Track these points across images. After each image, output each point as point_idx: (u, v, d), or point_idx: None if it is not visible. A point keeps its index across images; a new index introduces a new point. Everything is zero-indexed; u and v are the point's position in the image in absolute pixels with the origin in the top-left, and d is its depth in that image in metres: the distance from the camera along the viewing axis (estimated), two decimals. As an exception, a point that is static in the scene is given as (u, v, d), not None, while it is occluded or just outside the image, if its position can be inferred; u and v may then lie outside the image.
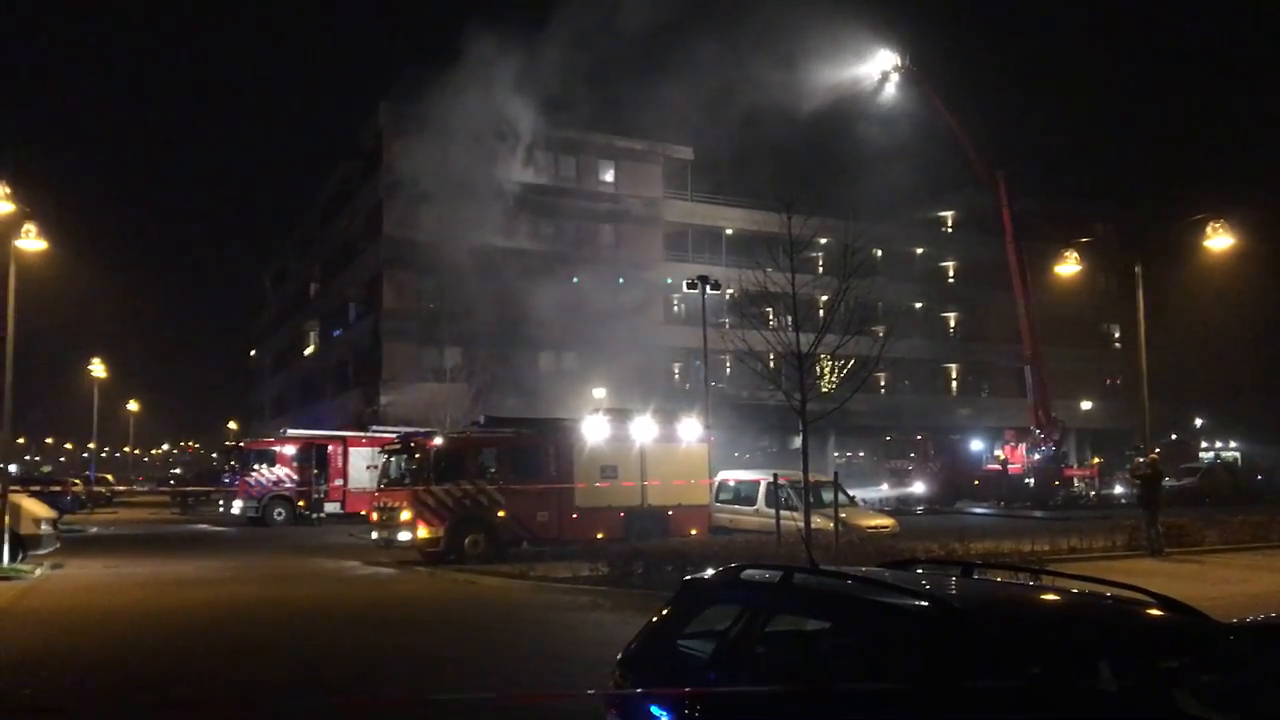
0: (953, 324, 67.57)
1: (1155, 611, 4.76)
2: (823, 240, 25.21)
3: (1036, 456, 45.45)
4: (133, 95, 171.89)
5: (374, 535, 24.08)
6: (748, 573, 5.61)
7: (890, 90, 47.06)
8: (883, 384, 57.80)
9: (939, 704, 4.06)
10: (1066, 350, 57.01)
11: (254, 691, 10.23)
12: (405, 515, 22.22)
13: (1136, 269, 26.16)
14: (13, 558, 20.64)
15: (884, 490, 45.55)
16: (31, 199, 22.25)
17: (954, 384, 67.11)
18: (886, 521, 24.21)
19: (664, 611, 5.78)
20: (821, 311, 19.56)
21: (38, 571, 20.58)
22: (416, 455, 22.86)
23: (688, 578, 6.21)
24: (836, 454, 52.76)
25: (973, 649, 4.20)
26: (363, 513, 32.82)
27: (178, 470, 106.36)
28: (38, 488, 35.67)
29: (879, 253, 50.72)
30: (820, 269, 36.73)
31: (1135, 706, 4.24)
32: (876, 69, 47.05)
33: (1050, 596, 5.29)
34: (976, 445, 49.23)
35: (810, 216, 18.44)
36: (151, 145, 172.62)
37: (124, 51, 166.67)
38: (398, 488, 23.26)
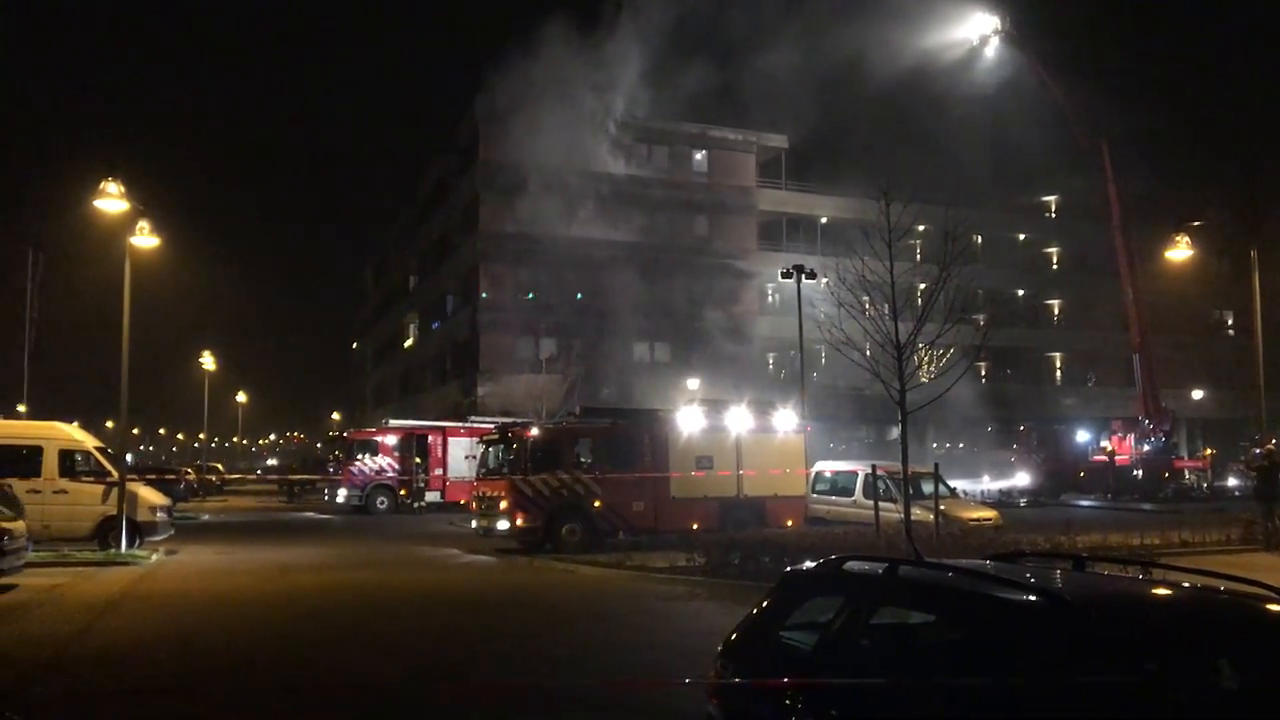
0: (1057, 311, 65.87)
1: (1276, 607, 4.57)
2: (921, 227, 24.72)
3: (1145, 447, 44.09)
4: (238, 96, 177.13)
5: (473, 524, 24.48)
6: (850, 564, 5.55)
7: (988, 55, 45.79)
8: (983, 373, 56.66)
9: (1051, 699, 3.97)
10: (1177, 337, 55.11)
11: (364, 675, 10.48)
12: (503, 504, 22.54)
13: (1252, 252, 25.16)
14: (130, 544, 21.49)
15: (985, 482, 44.69)
16: (144, 197, 23.07)
17: (1058, 373, 65.42)
18: (989, 514, 23.77)
19: (765, 603, 5.75)
20: (920, 300, 19.23)
21: (154, 557, 21.37)
22: (514, 445, 23.15)
23: (789, 569, 6.17)
24: (935, 444, 51.88)
25: (1086, 644, 4.10)
26: (462, 502, 33.45)
27: (272, 461, 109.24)
28: (153, 476, 37.06)
29: (979, 239, 49.65)
30: (918, 256, 36.19)
31: (1258, 705, 4.08)
32: (974, 33, 45.84)
33: (1164, 591, 5.11)
34: (1082, 436, 47.98)
35: (908, 203, 18.15)
36: (257, 144, 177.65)
37: (228, 52, 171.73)
38: (496, 477, 23.59)
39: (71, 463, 22.40)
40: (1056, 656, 4.12)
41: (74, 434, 23.32)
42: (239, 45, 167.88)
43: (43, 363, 34.94)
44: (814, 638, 5.26)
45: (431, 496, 37.35)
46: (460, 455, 36.65)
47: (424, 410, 50.88)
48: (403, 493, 37.37)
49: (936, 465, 21.29)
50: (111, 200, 21.49)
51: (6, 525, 16.56)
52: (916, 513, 18.72)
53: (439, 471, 37.60)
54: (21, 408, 34.88)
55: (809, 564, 6.11)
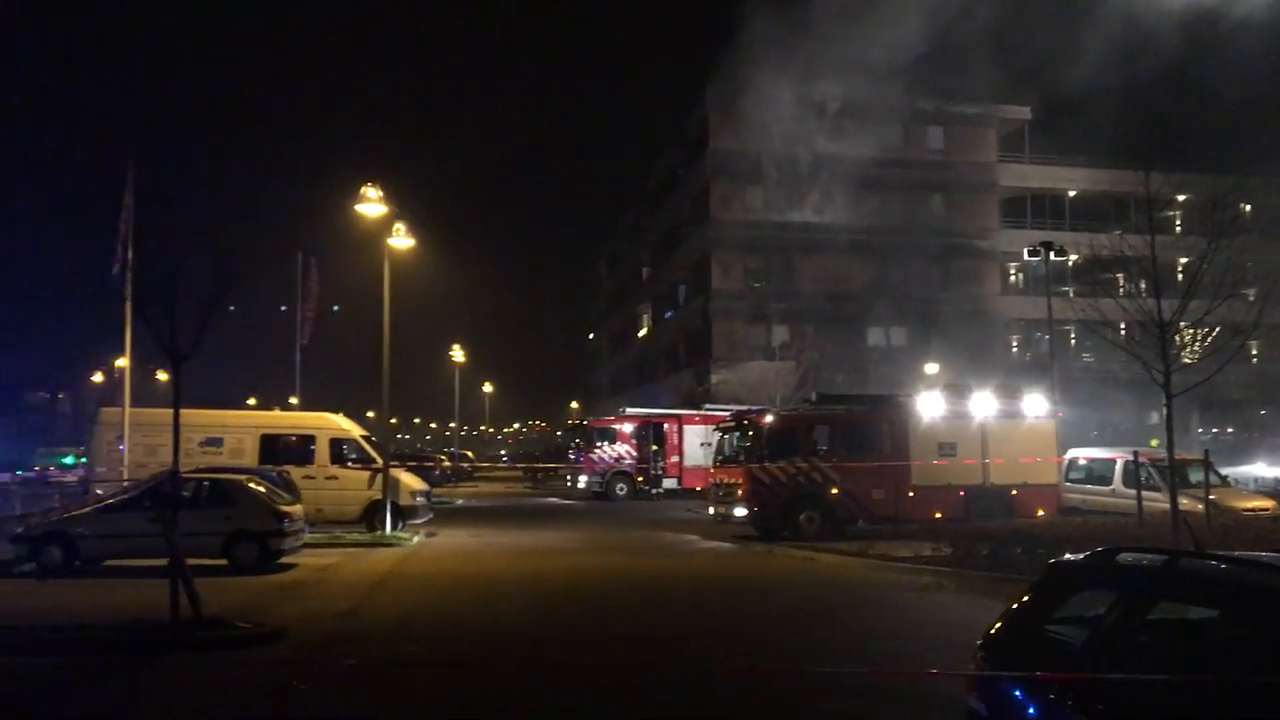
0: (1341, 283, 59.76)
1: None
2: (1181, 197, 22.98)
3: None
4: (478, 100, 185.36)
5: (710, 510, 24.75)
6: (1123, 556, 5.27)
7: None
8: (1254, 353, 52.20)
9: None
10: None
11: (619, 654, 10.78)
12: (740, 492, 22.67)
13: None
14: (394, 526, 22.95)
15: (1261, 469, 41.14)
16: (400, 202, 24.52)
17: (1343, 350, 59.38)
18: (1266, 503, 21.94)
19: (1028, 595, 5.55)
20: (1181, 275, 17.96)
21: (415, 539, 22.73)
22: (750, 433, 23.21)
23: (1054, 560, 5.91)
24: (1201, 430, 48.30)
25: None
26: (698, 489, 33.87)
27: (503, 453, 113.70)
28: (413, 463, 39.43)
29: (1248, 208, 45.66)
30: (1178, 228, 33.76)
31: None
32: None
33: None
34: (1375, 419, 43.42)
35: (1169, 172, 16.96)
36: (498, 147, 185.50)
37: (469, 64, 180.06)
38: (732, 465, 23.72)
39: (340, 451, 24.14)
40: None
41: (342, 424, 25.10)
42: (477, 51, 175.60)
43: (311, 357, 37.75)
44: (1083, 632, 5.04)
45: (668, 483, 38.00)
46: (695, 442, 37.10)
47: (658, 398, 51.72)
48: (640, 479, 38.19)
49: (1206, 451, 19.84)
50: (371, 205, 22.98)
51: (286, 509, 18.01)
52: (1183, 502, 17.51)
53: (675, 458, 38.21)
54: (294, 400, 37.85)
55: (1078, 555, 5.83)
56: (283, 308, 35.74)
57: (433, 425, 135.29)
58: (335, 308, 50.72)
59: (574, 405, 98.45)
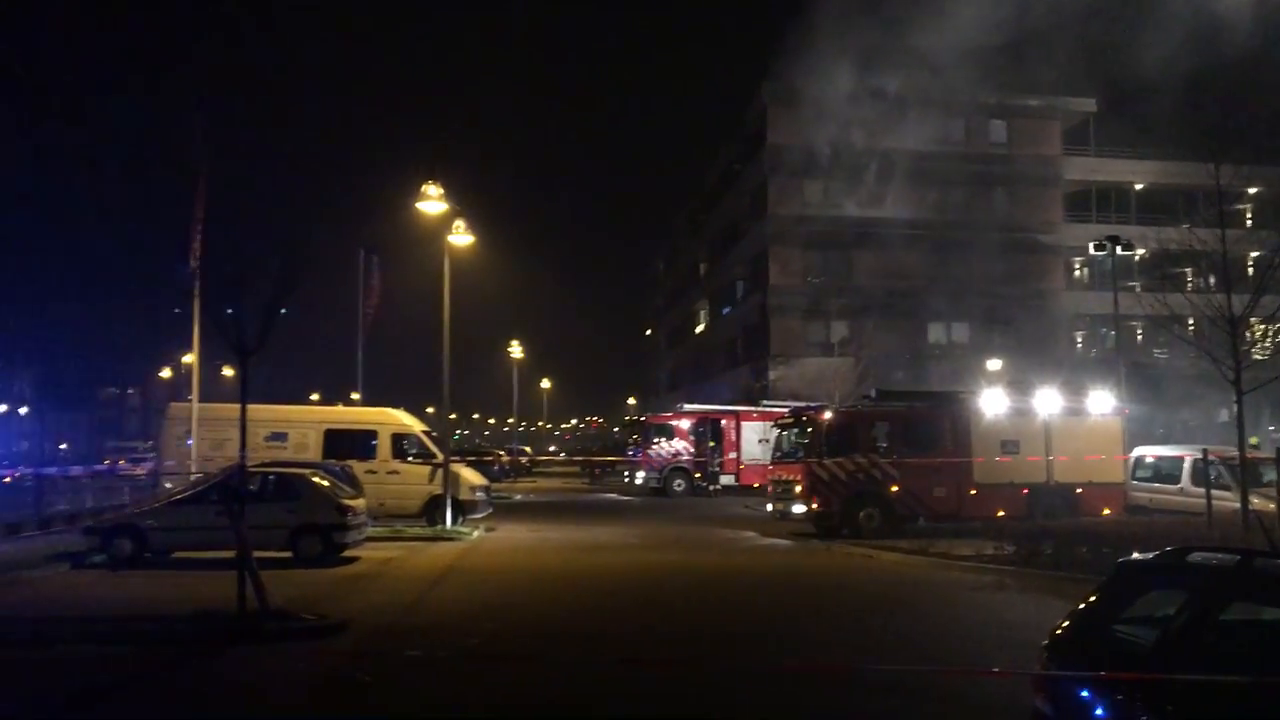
0: None
1: None
2: (1252, 190, 22.46)
3: None
4: (538, 99, 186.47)
5: (769, 507, 24.64)
6: (1194, 556, 5.17)
7: None
8: (1329, 349, 50.76)
9: None
10: None
11: (676, 650, 10.81)
12: (799, 488, 22.56)
13: None
14: (454, 520, 23.17)
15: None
16: (460, 199, 24.68)
17: None
18: (1340, 504, 21.31)
19: (1096, 595, 5.47)
20: (1251, 269, 17.57)
21: (475, 533, 22.94)
22: (808, 429, 23.08)
23: (1122, 560, 5.81)
24: (1272, 427, 47.13)
25: None
26: (756, 485, 33.74)
27: (553, 448, 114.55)
28: (472, 458, 39.80)
29: (1324, 199, 44.42)
30: (1249, 221, 32.97)
31: None
32: None
33: None
34: None
35: (1240, 164, 16.58)
36: (557, 144, 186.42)
37: (528, 62, 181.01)
38: (791, 461, 23.60)
39: (402, 446, 24.42)
40: None
41: (404, 419, 25.38)
42: (537, 48, 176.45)
43: (373, 353, 38.14)
44: (1153, 633, 4.96)
45: (726, 479, 37.90)
46: (753, 439, 36.99)
47: (716, 395, 51.57)
48: (698, 475, 38.14)
49: (1279, 449, 19.35)
50: (432, 202, 23.18)
51: (350, 502, 18.26)
52: (1255, 501, 17.12)
53: (733, 455, 38.11)
54: (356, 395, 38.33)
55: (1147, 555, 5.73)
56: (352, 310, 36.06)
57: (491, 420, 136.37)
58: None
59: (631, 401, 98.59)
